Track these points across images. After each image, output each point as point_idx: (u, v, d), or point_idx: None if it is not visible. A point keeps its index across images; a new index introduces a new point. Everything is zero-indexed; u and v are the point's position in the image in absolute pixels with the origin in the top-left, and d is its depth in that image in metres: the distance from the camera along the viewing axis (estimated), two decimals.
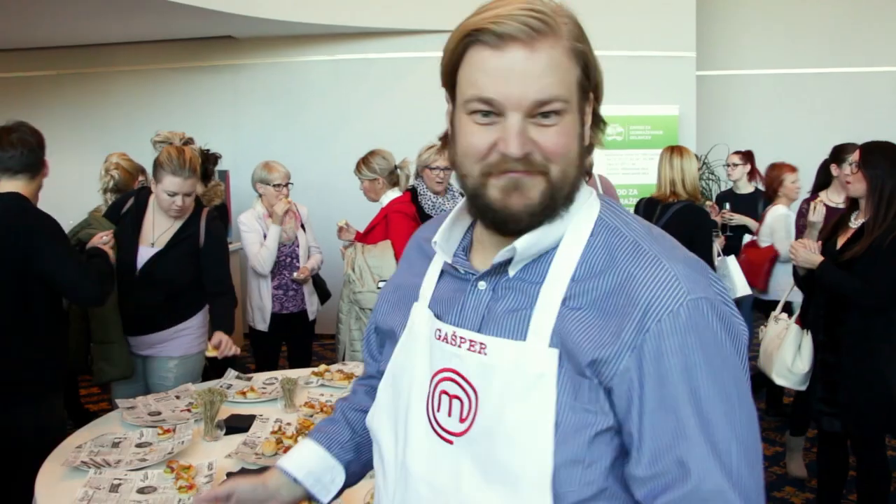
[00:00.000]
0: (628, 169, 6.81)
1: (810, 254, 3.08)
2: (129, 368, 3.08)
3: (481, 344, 0.99)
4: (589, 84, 1.00)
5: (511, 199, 0.96)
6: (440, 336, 1.04)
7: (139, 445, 2.34)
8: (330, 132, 7.14)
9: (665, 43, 6.81)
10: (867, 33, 7.80)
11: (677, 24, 6.81)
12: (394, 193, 4.06)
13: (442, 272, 1.12)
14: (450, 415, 1.02)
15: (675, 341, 0.90)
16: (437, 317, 1.07)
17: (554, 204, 0.97)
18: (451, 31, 0.98)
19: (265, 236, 4.13)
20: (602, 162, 6.72)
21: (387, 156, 4.10)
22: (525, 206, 0.96)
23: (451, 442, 1.01)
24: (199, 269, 3.17)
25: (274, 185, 4.18)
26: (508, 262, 1.01)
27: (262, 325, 4.20)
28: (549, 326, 0.96)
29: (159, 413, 2.64)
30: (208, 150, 4.86)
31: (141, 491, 2.01)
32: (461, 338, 1.02)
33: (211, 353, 2.91)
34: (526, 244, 0.98)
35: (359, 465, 1.30)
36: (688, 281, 0.93)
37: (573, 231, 1.00)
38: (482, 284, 1.03)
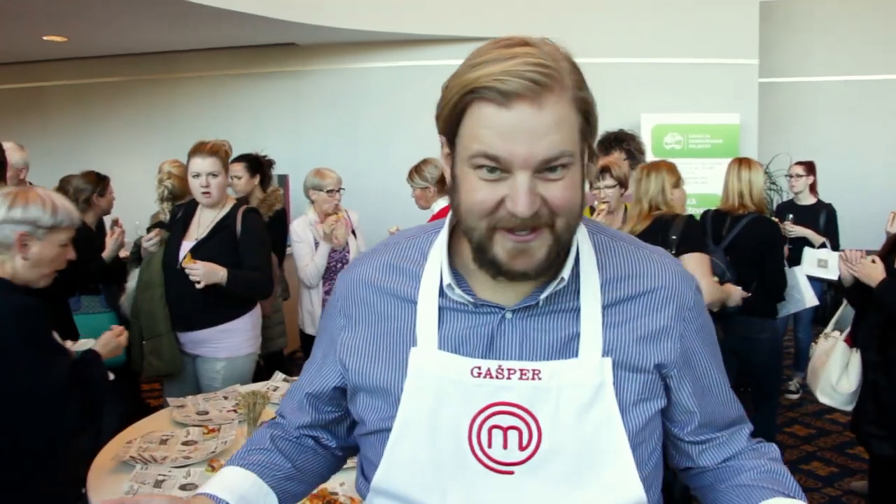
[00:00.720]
0: (687, 178, 6.64)
1: (873, 268, 2.98)
2: (177, 364, 3.20)
3: (534, 370, 1.02)
4: (590, 129, 0.99)
5: (516, 262, 0.98)
6: (480, 373, 1.03)
7: (185, 443, 2.43)
8: (388, 138, 7.25)
9: (727, 50, 6.69)
10: None
11: (740, 31, 6.68)
12: (444, 202, 4.10)
13: (440, 310, 1.07)
14: (505, 447, 1.02)
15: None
16: (464, 356, 1.05)
17: (559, 257, 1.00)
18: (451, 82, 0.96)
19: (316, 244, 4.22)
20: None
21: (438, 164, 4.15)
22: (533, 267, 0.98)
23: (511, 473, 1.03)
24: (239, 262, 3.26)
25: (327, 191, 4.27)
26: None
27: (312, 328, 4.28)
28: (597, 340, 1.05)
29: (207, 413, 2.74)
30: (265, 156, 5.00)
31: (183, 488, 2.10)
32: (509, 369, 1.03)
33: (185, 262, 3.09)
34: (570, 273, 1.04)
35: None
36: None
37: (583, 251, 1.08)
38: (509, 315, 1.05)
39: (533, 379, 1.02)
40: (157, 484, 2.10)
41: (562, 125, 0.92)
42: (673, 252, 3.14)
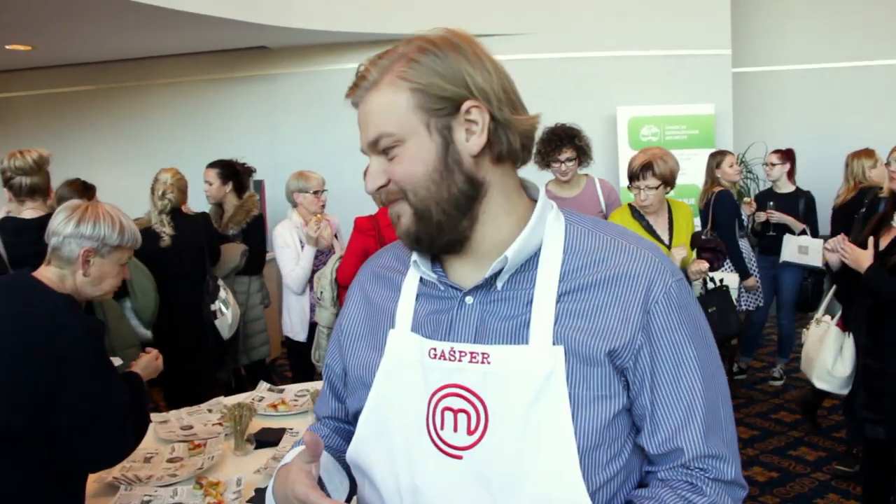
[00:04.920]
0: None
1: (862, 254, 2.97)
2: None
3: (483, 354, 1.02)
4: (430, 98, 1.02)
5: (398, 230, 1.08)
6: (435, 354, 1.05)
7: (170, 461, 2.36)
8: None
9: (700, 41, 6.69)
10: None
11: (712, 22, 6.68)
12: None
13: (417, 296, 1.13)
14: (455, 430, 1.03)
15: (674, 317, 1.04)
16: (425, 337, 1.08)
17: (430, 219, 1.05)
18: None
19: (302, 245, 4.14)
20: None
21: None
22: (405, 233, 1.07)
23: (459, 457, 1.03)
24: None
25: (313, 193, 4.20)
26: (495, 275, 1.06)
27: (302, 334, 4.20)
28: (549, 326, 1.02)
29: (191, 427, 2.66)
30: (243, 164, 4.93)
31: None
32: (461, 352, 1.04)
33: None
34: (516, 252, 1.04)
35: (353, 484, 1.23)
36: (668, 264, 1.08)
37: (549, 238, 1.07)
38: (469, 299, 1.07)
39: (483, 363, 1.02)
40: None
41: (380, 111, 1.04)
42: None
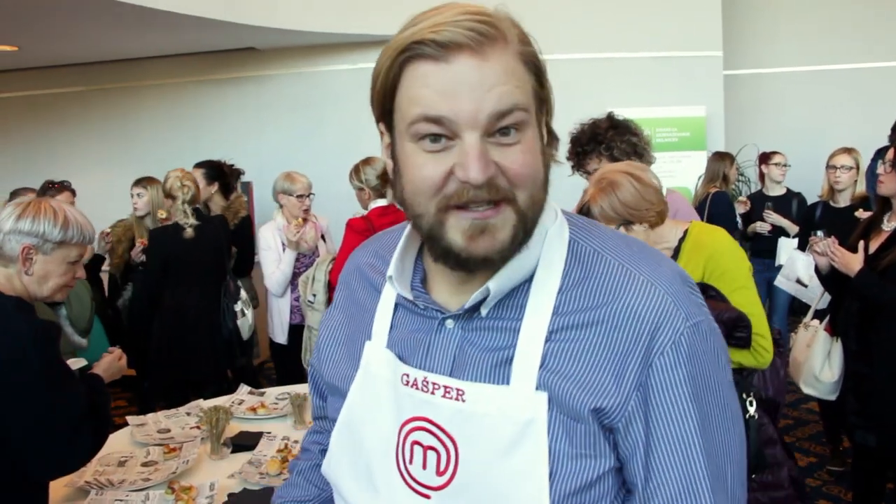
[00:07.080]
0: (654, 172, 6.66)
1: (852, 257, 2.93)
2: None
3: (458, 390, 0.90)
4: (543, 93, 0.88)
5: (477, 245, 0.84)
6: (408, 381, 0.93)
7: (145, 464, 2.31)
8: (353, 141, 7.08)
9: (691, 43, 6.66)
10: None
11: (703, 24, 6.66)
12: (382, 202, 3.82)
13: (396, 306, 0.99)
14: (425, 467, 0.92)
15: (680, 372, 0.86)
16: (401, 359, 0.96)
17: (526, 238, 0.87)
18: (383, 48, 0.85)
19: (284, 247, 4.09)
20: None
21: (377, 165, 3.87)
22: (497, 250, 0.84)
23: (428, 496, 0.92)
24: None
25: (297, 196, 4.15)
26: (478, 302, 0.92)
27: (282, 337, 4.17)
28: (534, 368, 0.88)
29: (168, 430, 2.61)
30: (231, 165, 4.90)
31: None
32: (434, 383, 0.91)
33: None
34: (499, 285, 0.88)
35: None
36: (684, 303, 0.89)
37: (547, 260, 0.91)
38: (450, 323, 0.93)
39: (457, 399, 0.89)
40: None
41: (511, 77, 0.82)
42: None
